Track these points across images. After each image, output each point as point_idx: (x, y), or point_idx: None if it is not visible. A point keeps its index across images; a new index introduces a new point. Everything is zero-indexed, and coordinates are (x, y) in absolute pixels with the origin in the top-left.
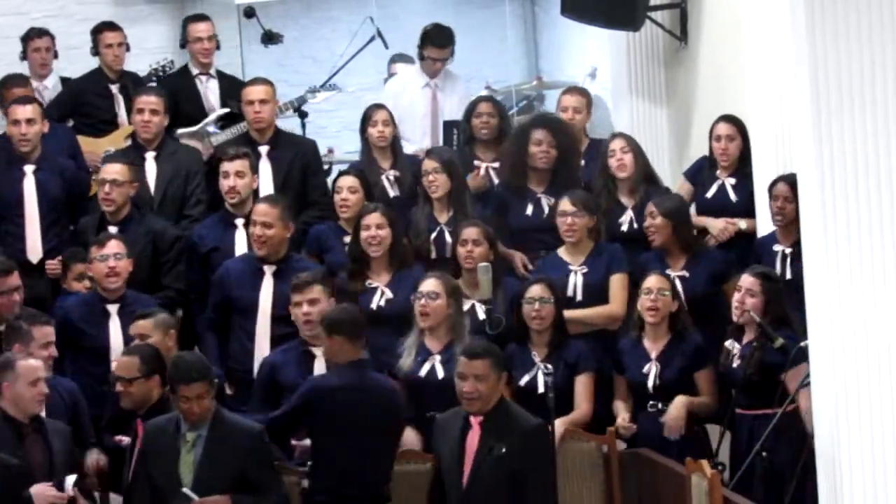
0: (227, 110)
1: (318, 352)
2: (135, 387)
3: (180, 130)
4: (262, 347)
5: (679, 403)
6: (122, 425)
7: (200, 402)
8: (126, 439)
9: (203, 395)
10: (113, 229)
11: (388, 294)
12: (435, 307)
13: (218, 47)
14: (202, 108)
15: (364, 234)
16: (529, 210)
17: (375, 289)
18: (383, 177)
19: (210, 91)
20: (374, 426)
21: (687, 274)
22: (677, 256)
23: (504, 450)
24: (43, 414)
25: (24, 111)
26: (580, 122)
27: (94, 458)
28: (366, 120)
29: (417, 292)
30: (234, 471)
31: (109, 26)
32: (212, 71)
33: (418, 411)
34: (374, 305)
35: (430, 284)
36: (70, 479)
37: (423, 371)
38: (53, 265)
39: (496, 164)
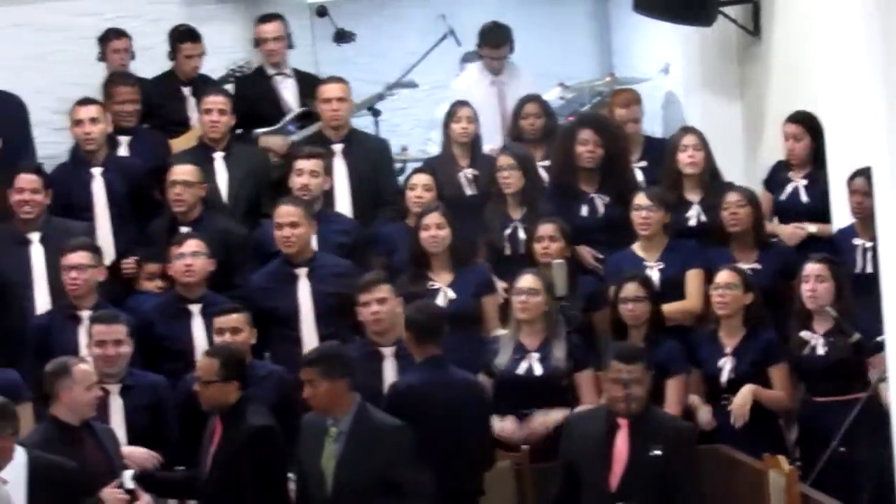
0: (304, 109)
1: (386, 351)
2: (211, 389)
3: (259, 130)
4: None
5: (746, 390)
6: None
7: (313, 388)
8: None
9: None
10: (184, 230)
11: (451, 294)
12: (534, 303)
13: (291, 46)
14: (279, 107)
15: (424, 233)
16: (584, 211)
17: (437, 289)
18: (461, 174)
19: (287, 90)
20: (459, 421)
21: (759, 266)
22: (749, 250)
23: (659, 452)
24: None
25: (87, 111)
26: (635, 127)
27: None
28: (449, 116)
29: (516, 288)
30: (374, 468)
31: (190, 36)
32: (287, 70)
33: (515, 409)
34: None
35: (528, 281)
36: (128, 474)
37: (521, 369)
38: (129, 265)
39: (546, 163)
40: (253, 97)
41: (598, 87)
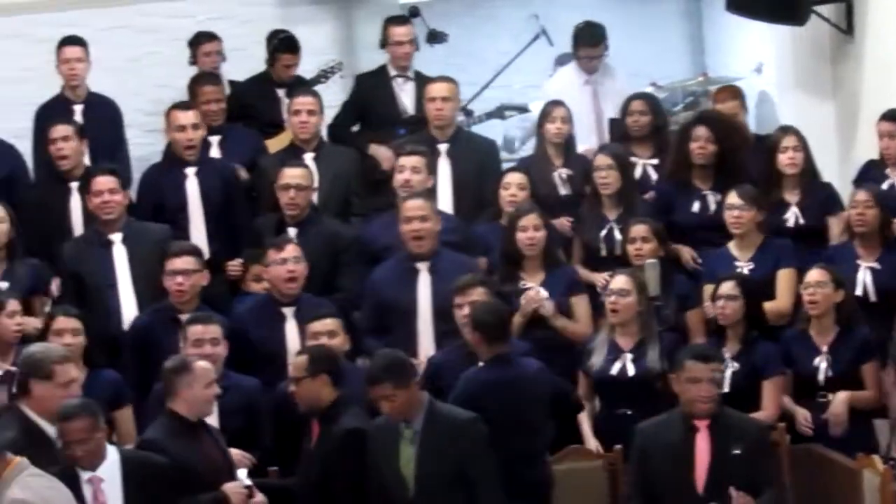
0: (417, 115)
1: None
2: (301, 386)
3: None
4: (426, 347)
5: (841, 399)
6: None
7: (389, 402)
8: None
9: (391, 396)
10: (292, 231)
11: (543, 294)
12: (625, 304)
13: (417, 48)
14: (396, 109)
15: (522, 234)
16: (696, 207)
17: (529, 290)
18: (555, 174)
19: (405, 93)
20: (525, 418)
21: (879, 266)
22: (873, 248)
23: (739, 451)
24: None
25: (187, 116)
26: (739, 118)
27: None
28: (544, 116)
29: (608, 290)
30: (452, 462)
31: (289, 47)
32: (409, 73)
33: (609, 410)
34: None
35: (620, 282)
36: (243, 472)
37: (615, 369)
38: (235, 266)
39: (653, 161)
40: (370, 97)
41: (690, 87)
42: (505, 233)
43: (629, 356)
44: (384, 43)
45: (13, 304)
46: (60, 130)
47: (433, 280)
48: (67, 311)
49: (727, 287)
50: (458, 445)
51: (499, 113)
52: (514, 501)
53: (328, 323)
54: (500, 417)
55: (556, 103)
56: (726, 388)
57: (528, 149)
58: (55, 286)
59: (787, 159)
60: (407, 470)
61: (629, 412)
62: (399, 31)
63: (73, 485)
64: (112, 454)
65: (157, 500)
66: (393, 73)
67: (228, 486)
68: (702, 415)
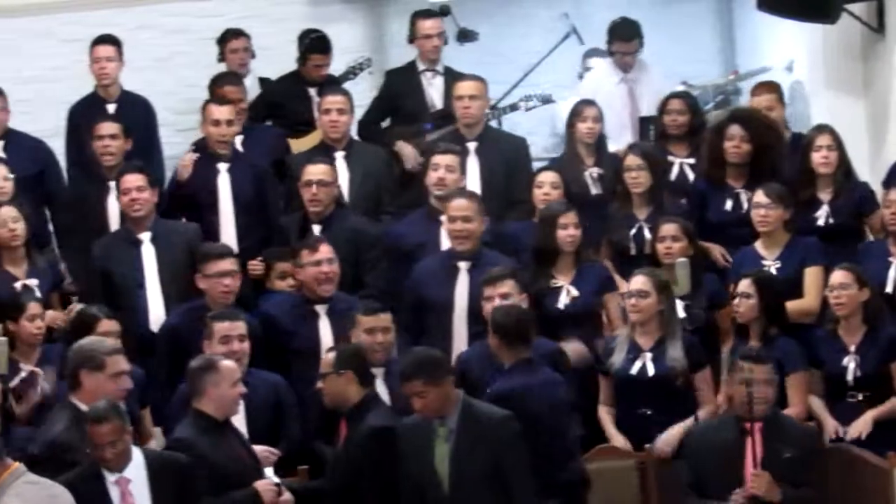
0: (445, 109)
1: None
2: (327, 382)
3: (399, 144)
4: (459, 346)
5: (865, 421)
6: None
7: (422, 399)
8: None
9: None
10: (316, 228)
11: (574, 292)
12: (645, 305)
13: (445, 42)
14: (424, 104)
15: (562, 233)
16: (728, 205)
17: (560, 288)
18: (586, 173)
19: (434, 88)
20: (552, 422)
21: None
22: None
23: (791, 454)
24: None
25: (222, 112)
26: (776, 118)
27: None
28: (574, 115)
29: (627, 291)
30: (487, 460)
31: (321, 48)
32: (438, 67)
33: (629, 409)
34: (560, 305)
35: (639, 282)
36: (270, 470)
37: (635, 369)
38: (256, 265)
39: (690, 160)
40: (399, 92)
41: (721, 86)
42: (540, 231)
43: (649, 355)
44: (412, 37)
45: (34, 308)
46: (107, 128)
47: (472, 280)
48: (108, 313)
49: (743, 285)
50: (492, 443)
51: (523, 104)
52: (548, 502)
53: (384, 318)
54: (528, 422)
55: (588, 102)
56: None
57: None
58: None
59: (820, 158)
60: (442, 467)
61: (649, 412)
62: (427, 25)
63: (99, 486)
64: (137, 455)
65: (183, 499)
66: (422, 67)
67: (259, 484)
68: (755, 417)
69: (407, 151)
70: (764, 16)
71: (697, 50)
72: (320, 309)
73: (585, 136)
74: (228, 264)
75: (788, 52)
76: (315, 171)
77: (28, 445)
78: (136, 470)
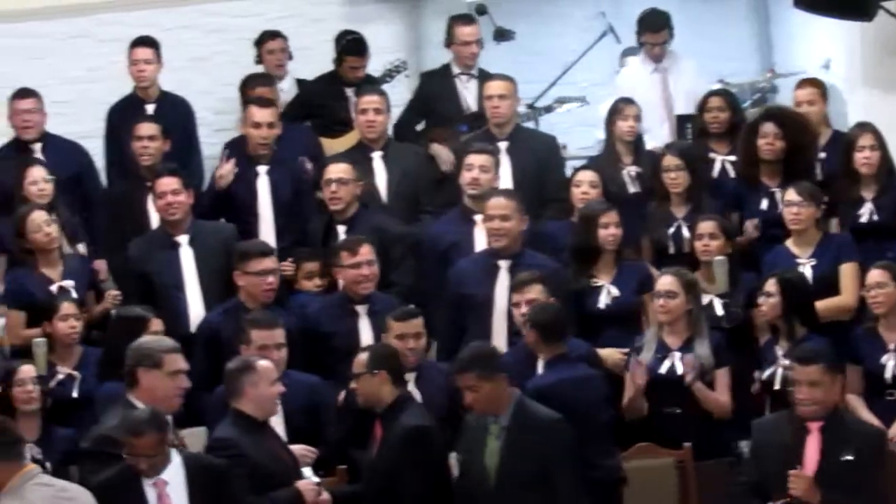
0: (475, 111)
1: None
2: (360, 382)
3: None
4: (499, 344)
5: None
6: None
7: (474, 392)
8: None
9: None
10: (341, 228)
11: (614, 291)
12: (674, 305)
13: (482, 47)
14: (459, 107)
15: (603, 232)
16: (764, 204)
17: (601, 287)
18: (624, 172)
19: (468, 91)
20: (590, 417)
21: None
22: None
23: (851, 457)
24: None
25: (264, 114)
26: (816, 113)
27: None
28: (615, 113)
29: (655, 291)
30: (535, 460)
31: (356, 51)
32: (474, 71)
33: (658, 408)
34: (601, 304)
35: (666, 283)
36: (308, 470)
37: (664, 368)
38: (287, 266)
39: (731, 158)
40: (434, 95)
41: (758, 84)
42: (580, 230)
43: (677, 355)
44: (449, 42)
45: (67, 307)
46: (147, 129)
47: (512, 279)
48: (155, 313)
49: (767, 284)
50: (543, 444)
51: (558, 105)
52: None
53: (416, 324)
54: (565, 418)
55: (628, 101)
56: (777, 386)
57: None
58: (103, 272)
59: (862, 158)
60: (490, 463)
61: (678, 411)
62: (466, 31)
63: (135, 487)
64: (175, 457)
65: (220, 501)
66: (457, 71)
67: (301, 484)
68: (809, 417)
69: (442, 154)
70: (800, 13)
71: (734, 48)
72: (360, 309)
73: (626, 135)
74: (271, 262)
75: (825, 51)
76: (334, 169)
77: (68, 445)
78: (175, 472)
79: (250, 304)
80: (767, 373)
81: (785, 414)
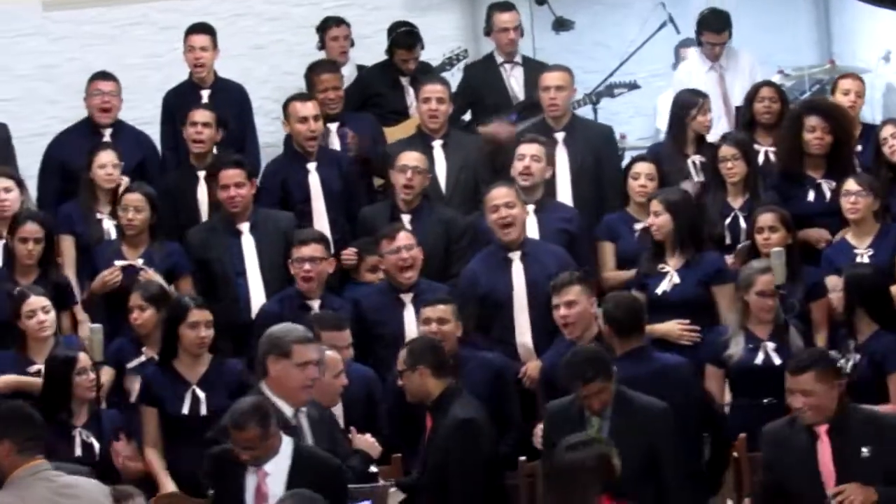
0: (530, 100)
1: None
2: (404, 379)
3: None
4: (524, 336)
5: None
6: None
7: (600, 397)
8: None
9: (602, 390)
10: (406, 218)
11: (676, 279)
12: (774, 304)
13: (522, 34)
14: (507, 96)
15: (648, 220)
16: (811, 196)
17: (666, 273)
18: (689, 161)
19: (514, 79)
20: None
21: None
22: None
23: (867, 452)
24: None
25: (307, 108)
26: (859, 106)
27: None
28: (692, 107)
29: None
30: (642, 452)
31: (406, 44)
32: (517, 58)
33: (751, 400)
34: (659, 290)
35: (765, 283)
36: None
37: (758, 359)
38: (349, 256)
39: (774, 149)
40: (480, 85)
41: (817, 75)
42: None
43: (770, 345)
44: (489, 30)
45: (134, 299)
46: (201, 115)
47: (526, 269)
48: (199, 302)
49: (831, 281)
50: (648, 433)
51: (608, 91)
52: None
53: (439, 309)
54: None
55: (705, 95)
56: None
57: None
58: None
59: (889, 149)
60: None
61: (775, 401)
62: (503, 18)
63: (237, 472)
64: (286, 447)
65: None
66: (500, 59)
67: (359, 441)
68: (810, 423)
69: (491, 127)
70: (861, 5)
71: (793, 38)
72: (406, 297)
73: (701, 129)
74: (310, 250)
75: (885, 42)
76: (411, 157)
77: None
78: (281, 463)
79: (304, 293)
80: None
81: (793, 419)
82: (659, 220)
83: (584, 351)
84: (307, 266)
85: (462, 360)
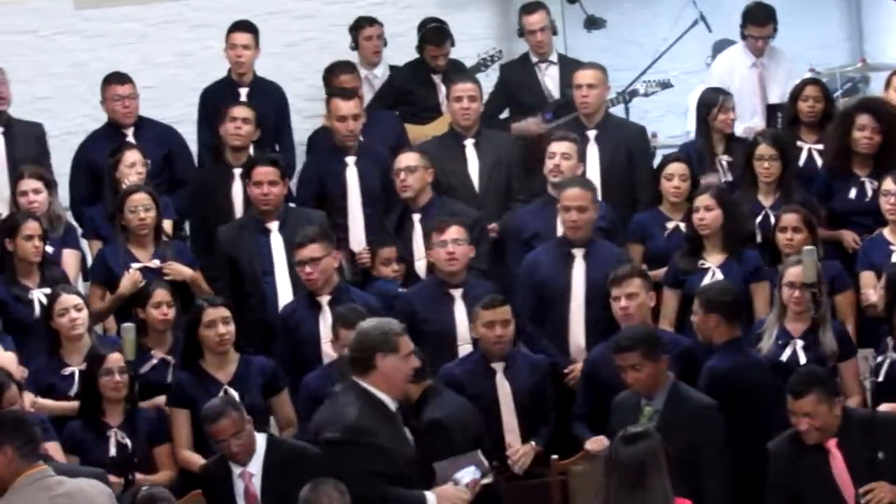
0: (563, 99)
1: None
2: None
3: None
4: (577, 334)
5: None
6: None
7: (636, 373)
8: None
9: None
10: (416, 216)
11: (719, 275)
12: (806, 297)
13: (555, 33)
14: (541, 96)
15: (694, 216)
16: (853, 194)
17: (707, 269)
18: (717, 161)
19: (549, 78)
20: (763, 404)
21: None
22: None
23: (882, 455)
24: None
25: (349, 106)
26: None
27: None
28: (713, 105)
29: (789, 282)
30: (686, 447)
31: (436, 40)
32: (552, 57)
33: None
34: (701, 286)
35: (793, 275)
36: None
37: (785, 355)
38: (362, 255)
39: (819, 146)
40: (515, 84)
41: (848, 73)
42: (687, 215)
43: (800, 342)
44: (521, 31)
45: (160, 294)
46: (241, 111)
47: (588, 268)
48: (212, 301)
49: (865, 278)
50: (695, 430)
51: (640, 90)
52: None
53: (500, 311)
54: (741, 405)
55: (729, 94)
56: (880, 378)
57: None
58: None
59: None
60: None
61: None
62: (531, 20)
63: (226, 476)
64: (260, 445)
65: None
66: (534, 59)
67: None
68: (816, 442)
69: (524, 123)
70: (892, 3)
71: (825, 36)
72: (455, 293)
73: (726, 127)
74: (307, 251)
75: None
76: (403, 158)
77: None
78: (259, 461)
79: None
80: (876, 362)
81: (797, 437)
82: (710, 215)
83: (639, 327)
84: (307, 269)
85: (509, 356)
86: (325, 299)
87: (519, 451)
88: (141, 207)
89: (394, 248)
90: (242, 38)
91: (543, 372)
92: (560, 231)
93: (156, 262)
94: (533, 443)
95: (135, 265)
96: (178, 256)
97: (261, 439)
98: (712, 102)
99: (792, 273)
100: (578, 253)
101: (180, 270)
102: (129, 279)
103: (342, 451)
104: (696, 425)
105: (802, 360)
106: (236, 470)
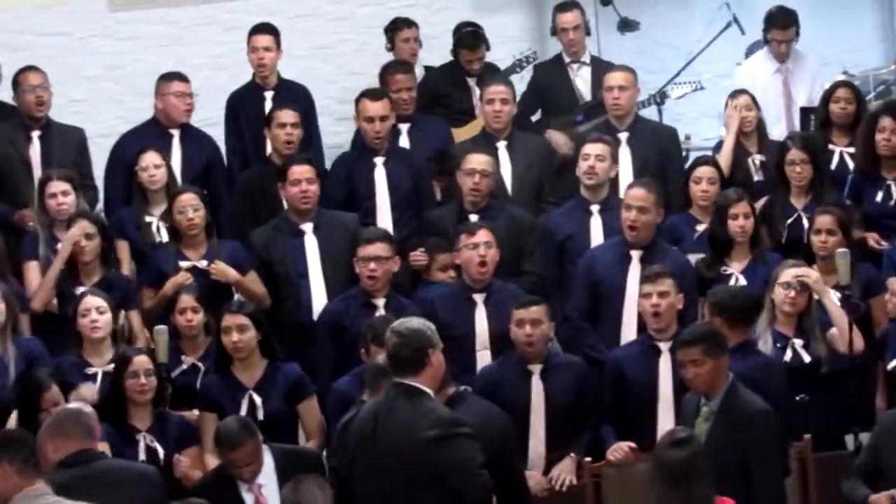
0: (596, 101)
1: (662, 346)
2: None
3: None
4: (629, 334)
5: None
6: None
7: (695, 369)
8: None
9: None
10: (474, 217)
11: (742, 281)
12: (803, 300)
13: (588, 33)
14: (573, 96)
15: (733, 223)
16: (879, 196)
17: (730, 275)
18: (749, 160)
19: (581, 79)
20: (778, 402)
21: None
22: None
23: None
24: None
25: (377, 107)
26: None
27: None
28: (727, 105)
29: (785, 282)
30: (737, 449)
31: (470, 44)
32: (584, 58)
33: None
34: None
35: (789, 275)
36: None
37: (787, 356)
38: (419, 256)
39: (851, 150)
40: (547, 85)
41: (882, 75)
42: (714, 219)
43: (798, 342)
44: (554, 30)
45: (185, 301)
46: (288, 115)
47: (644, 269)
48: (235, 308)
49: (892, 284)
50: (748, 434)
51: (673, 92)
52: None
53: (532, 311)
54: None
55: (740, 91)
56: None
57: None
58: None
59: None
60: None
61: (807, 398)
62: (565, 19)
63: (231, 487)
64: (266, 456)
65: None
66: (567, 60)
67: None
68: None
69: (558, 138)
70: None
71: (858, 38)
72: (478, 297)
73: (744, 125)
74: (375, 248)
75: None
76: (479, 160)
77: (181, 431)
78: (268, 471)
79: (370, 291)
80: (893, 364)
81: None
82: (749, 223)
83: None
84: (372, 265)
85: (548, 360)
86: (381, 301)
87: (560, 474)
88: (189, 208)
89: (452, 254)
90: (263, 40)
91: (582, 375)
92: (598, 233)
93: (203, 263)
94: (572, 454)
95: (184, 263)
96: (231, 257)
97: (265, 450)
98: (727, 102)
99: (786, 274)
100: (635, 254)
101: (225, 272)
102: (176, 279)
103: (457, 444)
104: (746, 429)
105: (806, 359)
106: (243, 484)
